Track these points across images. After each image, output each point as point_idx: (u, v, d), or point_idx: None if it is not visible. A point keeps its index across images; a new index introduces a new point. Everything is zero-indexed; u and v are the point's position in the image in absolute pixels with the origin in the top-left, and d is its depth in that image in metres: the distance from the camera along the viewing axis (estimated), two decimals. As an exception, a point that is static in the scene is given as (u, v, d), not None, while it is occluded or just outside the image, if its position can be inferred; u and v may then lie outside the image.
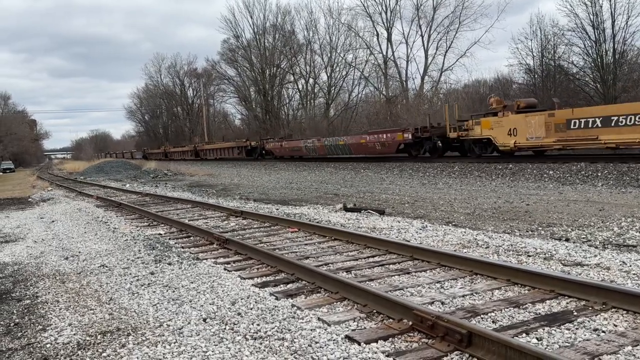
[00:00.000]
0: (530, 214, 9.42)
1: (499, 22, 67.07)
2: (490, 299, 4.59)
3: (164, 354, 3.77)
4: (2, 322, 4.87)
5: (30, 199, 19.89)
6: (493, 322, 4.02)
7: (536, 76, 38.18)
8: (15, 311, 5.19)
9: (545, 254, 6.04)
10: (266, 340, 3.88)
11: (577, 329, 3.77)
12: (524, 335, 3.70)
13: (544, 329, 3.78)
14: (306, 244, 7.47)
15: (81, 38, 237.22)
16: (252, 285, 5.47)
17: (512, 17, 77.81)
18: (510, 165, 17.27)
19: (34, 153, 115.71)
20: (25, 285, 6.19)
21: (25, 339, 4.38)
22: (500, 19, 66.41)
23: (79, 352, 3.95)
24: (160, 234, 9.12)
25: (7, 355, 4.04)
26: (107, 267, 6.78)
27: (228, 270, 6.18)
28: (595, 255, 5.86)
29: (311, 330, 4.02)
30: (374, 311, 4.32)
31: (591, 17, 33.26)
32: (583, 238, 7.04)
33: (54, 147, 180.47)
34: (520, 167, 16.82)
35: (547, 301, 4.40)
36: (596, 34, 33.20)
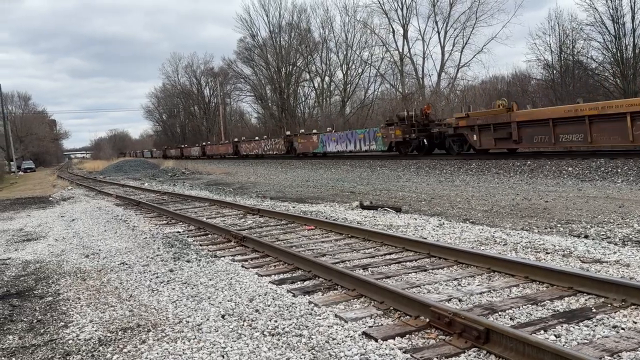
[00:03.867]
0: (549, 210, 9.33)
1: (517, 17, 66.46)
2: (508, 296, 4.57)
3: (183, 349, 3.82)
4: (25, 319, 4.97)
5: (50, 198, 20.20)
6: (511, 319, 4.01)
7: (554, 72, 37.76)
8: (37, 308, 5.30)
9: (563, 251, 6.00)
10: (284, 337, 3.92)
11: (595, 326, 3.74)
12: (542, 332, 3.69)
13: (562, 326, 3.77)
14: (323, 242, 7.50)
15: (101, 38, 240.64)
16: (270, 282, 5.51)
17: (530, 12, 77.13)
18: (529, 162, 17.11)
19: (54, 153, 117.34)
20: (47, 283, 6.30)
21: (48, 335, 4.47)
22: (518, 14, 66.09)
23: (100, 348, 4.02)
24: (179, 232, 9.22)
25: (30, 351, 4.13)
26: (127, 264, 6.88)
27: (246, 268, 6.23)
28: (615, 252, 5.80)
29: (328, 326, 4.04)
30: (391, 308, 4.34)
31: (611, 11, 32.85)
32: (602, 235, 6.97)
33: (73, 147, 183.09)
34: (539, 163, 16.66)
35: (566, 298, 4.37)
36: (616, 28, 32.78)
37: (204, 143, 64.48)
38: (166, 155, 73.22)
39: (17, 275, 6.85)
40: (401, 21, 53.03)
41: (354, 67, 60.37)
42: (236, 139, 54.64)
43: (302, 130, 40.65)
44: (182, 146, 71.82)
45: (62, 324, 4.71)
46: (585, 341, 3.49)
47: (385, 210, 10.39)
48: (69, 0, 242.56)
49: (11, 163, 57.91)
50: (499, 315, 4.10)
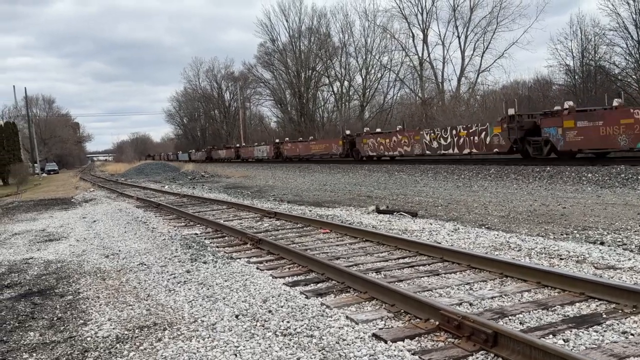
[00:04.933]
0: (566, 217, 9.28)
1: (538, 22, 65.99)
2: (519, 300, 4.60)
3: (197, 348, 3.92)
4: (46, 317, 5.12)
5: (73, 200, 20.59)
6: (520, 323, 4.04)
7: (576, 77, 37.36)
8: (58, 306, 5.46)
9: (578, 257, 5.98)
10: (295, 337, 4.00)
11: (605, 331, 3.76)
12: (550, 336, 3.71)
13: (571, 331, 3.79)
14: (337, 245, 7.57)
15: (124, 42, 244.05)
16: (283, 284, 5.60)
17: (552, 17, 76.64)
18: (548, 168, 16.98)
19: (77, 155, 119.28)
20: (68, 282, 6.47)
21: (67, 332, 4.61)
22: (540, 19, 65.51)
23: (118, 346, 4.14)
24: (197, 234, 9.36)
25: (50, 348, 4.26)
26: (145, 265, 7.03)
27: (260, 270, 6.33)
28: (630, 259, 5.77)
29: (339, 328, 4.11)
30: (402, 311, 4.39)
31: (634, 16, 32.43)
32: (618, 242, 6.92)
33: (96, 150, 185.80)
34: (558, 169, 16.53)
35: (577, 304, 4.38)
36: (639, 33, 32.29)
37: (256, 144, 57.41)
38: (211, 158, 67.56)
39: (39, 274, 7.04)
40: (421, 26, 53.00)
41: (373, 71, 60.48)
42: (281, 139, 50.01)
43: (367, 129, 34.98)
44: (238, 145, 59.76)
45: (82, 321, 4.85)
46: (594, 346, 3.51)
47: (401, 214, 10.42)
48: (93, 5, 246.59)
49: (35, 165, 59.05)
50: (509, 319, 4.13)
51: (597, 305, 4.31)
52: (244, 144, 59.82)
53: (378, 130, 33.41)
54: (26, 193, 28.33)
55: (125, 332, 4.42)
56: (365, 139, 31.69)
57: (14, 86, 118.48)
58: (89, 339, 4.37)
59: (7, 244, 10.07)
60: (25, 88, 71.99)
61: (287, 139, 50.04)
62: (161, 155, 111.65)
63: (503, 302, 4.59)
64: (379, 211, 11.12)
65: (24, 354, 4.18)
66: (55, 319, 5.03)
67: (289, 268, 6.35)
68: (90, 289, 6.03)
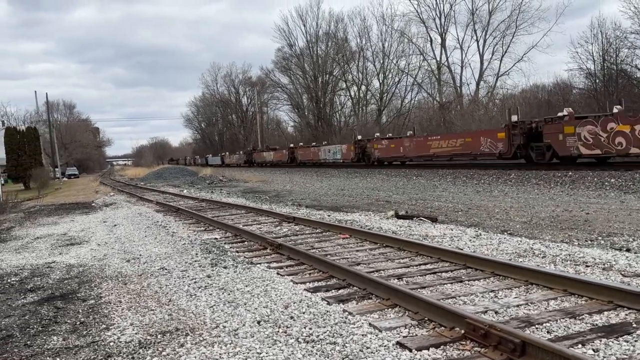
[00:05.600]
0: (590, 223, 9.13)
1: (558, 25, 64.97)
2: (545, 309, 4.51)
3: (220, 354, 3.91)
4: (68, 321, 5.15)
5: (93, 204, 20.80)
6: (548, 332, 3.95)
7: (597, 81, 36.88)
8: (80, 310, 5.48)
9: (604, 264, 5.87)
10: (318, 344, 3.96)
11: (636, 341, 3.66)
12: (579, 346, 3.63)
13: (600, 340, 3.70)
14: (357, 251, 7.52)
15: (144, 48, 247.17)
16: (304, 289, 5.57)
17: (572, 20, 75.76)
18: (570, 173, 16.74)
19: (97, 159, 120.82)
20: (90, 286, 6.51)
21: (90, 337, 4.62)
22: (559, 22, 64.79)
23: (140, 351, 4.14)
24: (216, 239, 9.38)
25: (74, 352, 4.28)
26: (166, 269, 7.05)
27: (281, 275, 6.31)
28: (659, 267, 5.64)
29: (362, 335, 4.07)
30: (426, 319, 4.33)
31: (657, 18, 31.89)
32: (646, 249, 6.77)
33: (115, 154, 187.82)
34: (580, 174, 16.28)
35: (605, 312, 4.29)
36: (662, 36, 31.80)
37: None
38: (252, 161, 59.40)
39: (61, 279, 7.10)
40: (439, 30, 52.80)
41: (390, 76, 60.36)
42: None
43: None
44: (295, 146, 49.11)
45: (104, 326, 4.87)
46: (624, 356, 3.42)
47: (421, 220, 10.33)
48: (114, 11, 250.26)
49: (56, 169, 59.90)
50: (536, 328, 4.04)
51: (626, 314, 4.21)
52: (301, 144, 51.36)
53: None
54: (47, 197, 28.70)
55: (148, 337, 4.42)
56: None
57: (35, 92, 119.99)
58: (111, 343, 4.37)
59: (29, 247, 10.19)
60: (46, 93, 73.25)
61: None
62: (186, 159, 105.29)
63: (529, 310, 4.50)
64: (398, 216, 11.04)
65: (48, 358, 4.20)
66: (78, 323, 5.05)
67: (310, 274, 6.32)
68: (112, 293, 6.05)
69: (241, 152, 68.02)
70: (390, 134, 34.76)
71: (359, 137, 35.86)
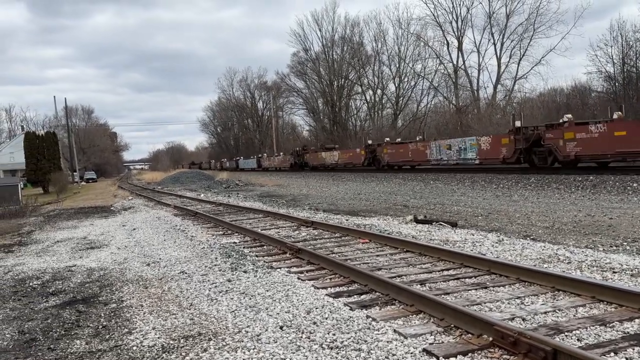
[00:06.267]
0: (614, 228, 8.96)
1: (576, 28, 64.13)
2: (574, 316, 4.41)
3: (243, 359, 3.87)
4: (91, 325, 5.15)
5: (112, 208, 20.96)
6: (578, 340, 3.86)
7: (617, 84, 36.39)
8: (102, 314, 5.49)
9: (632, 271, 5.74)
10: (342, 350, 3.91)
11: (672, 350, 3.55)
12: (612, 354, 3.53)
13: (633, 349, 3.59)
14: (378, 255, 7.45)
15: (160, 53, 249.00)
16: (326, 295, 5.51)
17: (591, 23, 75.02)
18: (591, 177, 16.49)
19: (115, 164, 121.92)
20: (111, 290, 6.52)
21: (113, 341, 4.61)
22: (578, 25, 63.96)
23: (164, 355, 4.12)
24: (235, 243, 9.37)
25: (97, 356, 4.27)
26: (186, 273, 7.05)
27: (302, 280, 6.26)
28: (690, 274, 5.50)
29: (387, 342, 4.00)
30: (452, 325, 4.25)
31: (678, 20, 31.40)
32: (674, 255, 6.62)
33: (132, 158, 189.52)
34: (602, 179, 16.03)
35: (637, 320, 4.18)
36: (684, 38, 31.30)
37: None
38: (304, 163, 48.29)
39: (82, 282, 7.12)
40: (456, 33, 52.59)
41: (406, 79, 60.24)
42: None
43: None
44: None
45: (126, 330, 4.86)
46: (662, 367, 3.32)
47: (440, 224, 10.23)
48: (131, 17, 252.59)
49: (74, 173, 60.56)
50: (566, 335, 3.95)
51: (659, 323, 4.10)
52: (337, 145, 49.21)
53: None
54: (66, 201, 29.00)
55: (171, 342, 4.40)
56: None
57: (54, 97, 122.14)
58: (134, 348, 4.36)
59: (50, 251, 10.27)
60: (65, 99, 74.08)
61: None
62: (210, 163, 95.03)
63: (557, 317, 4.40)
64: (417, 221, 10.95)
65: (71, 362, 4.20)
66: (100, 327, 5.05)
67: (330, 278, 6.26)
68: (133, 297, 6.05)
69: (281, 153, 57.33)
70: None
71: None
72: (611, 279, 5.50)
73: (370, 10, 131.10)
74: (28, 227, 15.65)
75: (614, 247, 7.37)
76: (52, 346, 4.59)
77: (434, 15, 53.16)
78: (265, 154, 66.06)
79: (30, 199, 25.92)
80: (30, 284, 7.27)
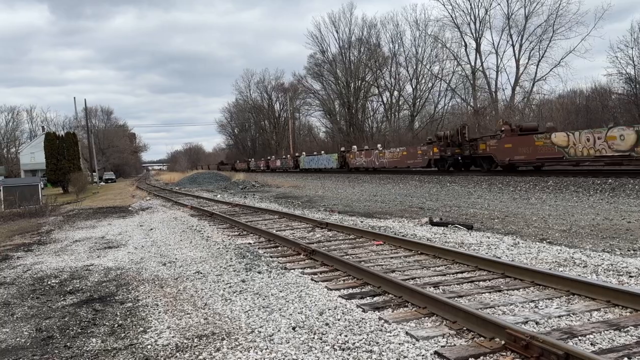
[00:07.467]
0: (632, 232, 8.84)
1: (596, 30, 63.59)
2: (588, 320, 4.37)
3: (256, 359, 3.90)
4: (107, 323, 5.23)
5: (130, 208, 21.19)
6: (591, 344, 3.83)
7: (637, 86, 35.82)
8: (118, 313, 5.56)
9: (650, 276, 5.66)
10: (354, 352, 3.92)
11: (687, 356, 3.51)
12: (625, 359, 3.50)
13: (649, 355, 3.56)
14: (392, 257, 7.45)
15: (179, 55, 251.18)
16: (339, 296, 5.53)
17: (611, 24, 73.93)
18: (610, 180, 16.29)
19: (133, 164, 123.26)
20: (127, 289, 6.61)
21: (128, 339, 4.68)
22: (598, 26, 63.32)
23: (178, 354, 4.17)
24: (250, 243, 9.42)
25: (112, 354, 4.34)
26: (201, 273, 7.11)
27: (315, 281, 6.29)
28: None
29: (399, 344, 4.01)
30: (464, 328, 4.24)
31: (701, 21, 30.82)
32: (694, 259, 6.52)
33: (151, 159, 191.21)
34: (621, 182, 15.82)
35: (653, 325, 4.13)
36: None
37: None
38: (347, 165, 41.48)
39: (99, 281, 7.23)
40: (474, 35, 52.22)
41: (423, 81, 59.99)
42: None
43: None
44: None
45: (142, 329, 4.92)
46: (676, 373, 3.28)
47: (456, 227, 10.18)
48: (151, 19, 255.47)
49: (94, 174, 61.35)
50: (579, 340, 3.92)
51: (676, 328, 4.04)
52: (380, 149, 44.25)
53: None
54: (85, 201, 29.39)
55: (185, 341, 4.45)
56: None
57: (74, 98, 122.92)
58: (149, 346, 4.42)
59: (68, 250, 10.42)
60: (85, 100, 75.20)
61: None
62: (234, 163, 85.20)
63: (571, 321, 4.37)
64: (432, 223, 10.91)
65: None
66: (116, 325, 5.12)
67: (344, 280, 6.28)
68: (149, 296, 6.13)
69: (341, 150, 46.04)
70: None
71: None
72: (627, 283, 5.44)
73: (387, 12, 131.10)
74: (47, 226, 15.90)
75: (632, 251, 7.28)
76: (68, 344, 4.67)
77: (451, 16, 52.90)
78: (297, 154, 57.89)
79: (50, 199, 26.32)
80: (49, 282, 7.39)
